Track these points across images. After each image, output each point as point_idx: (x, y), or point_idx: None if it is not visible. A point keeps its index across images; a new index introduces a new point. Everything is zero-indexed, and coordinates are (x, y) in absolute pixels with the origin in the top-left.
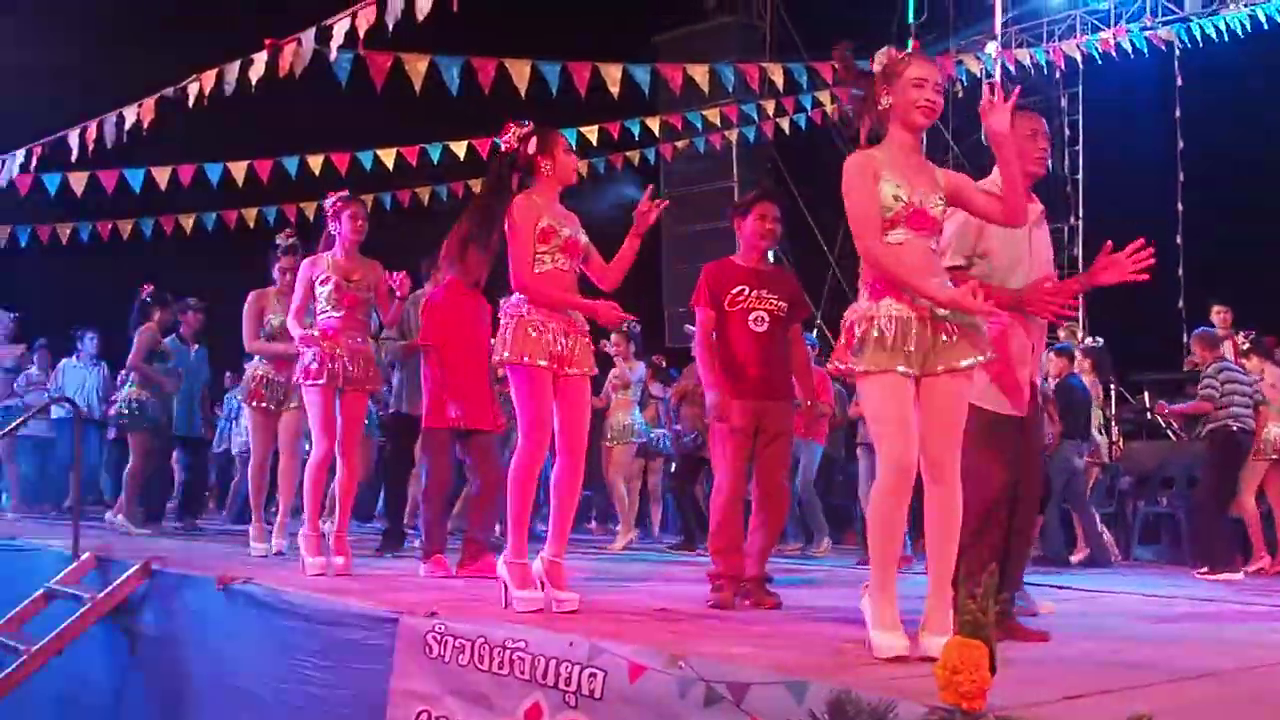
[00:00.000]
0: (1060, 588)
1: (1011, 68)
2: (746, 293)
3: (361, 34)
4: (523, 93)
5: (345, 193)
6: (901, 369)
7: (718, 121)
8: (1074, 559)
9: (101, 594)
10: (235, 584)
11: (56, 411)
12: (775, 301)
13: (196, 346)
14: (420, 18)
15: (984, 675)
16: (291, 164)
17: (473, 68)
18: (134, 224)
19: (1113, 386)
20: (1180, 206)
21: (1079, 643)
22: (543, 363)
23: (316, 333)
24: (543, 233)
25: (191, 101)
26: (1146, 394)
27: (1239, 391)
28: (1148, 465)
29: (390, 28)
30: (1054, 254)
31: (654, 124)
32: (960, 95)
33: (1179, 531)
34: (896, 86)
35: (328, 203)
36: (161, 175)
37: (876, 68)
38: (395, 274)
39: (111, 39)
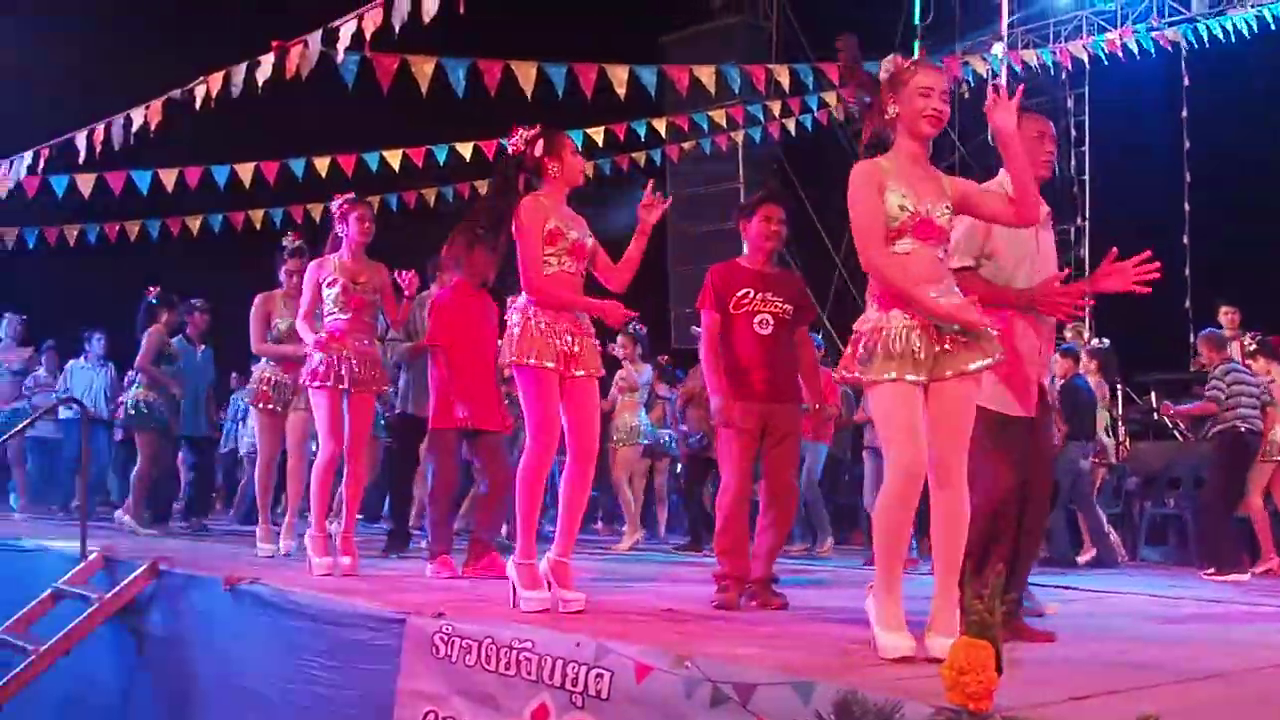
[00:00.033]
0: (1067, 588)
1: (1018, 68)
2: (751, 295)
3: (368, 36)
4: (529, 94)
5: (351, 195)
6: (911, 377)
7: (724, 123)
8: (1081, 560)
9: (109, 594)
10: (242, 584)
11: (64, 412)
12: (780, 304)
13: (203, 347)
14: (426, 20)
15: (990, 676)
16: (298, 166)
17: (479, 69)
18: (141, 225)
19: (1119, 387)
20: (1187, 207)
21: (1085, 643)
22: (550, 364)
23: (324, 335)
24: (550, 235)
25: (199, 103)
26: (1153, 394)
27: (1246, 393)
28: (1154, 466)
29: (396, 30)
30: (1060, 256)
31: (660, 125)
32: (966, 97)
33: (1186, 533)
34: (903, 95)
35: (334, 205)
36: (168, 177)
37: (883, 76)
38: (404, 273)
39: (118, 41)
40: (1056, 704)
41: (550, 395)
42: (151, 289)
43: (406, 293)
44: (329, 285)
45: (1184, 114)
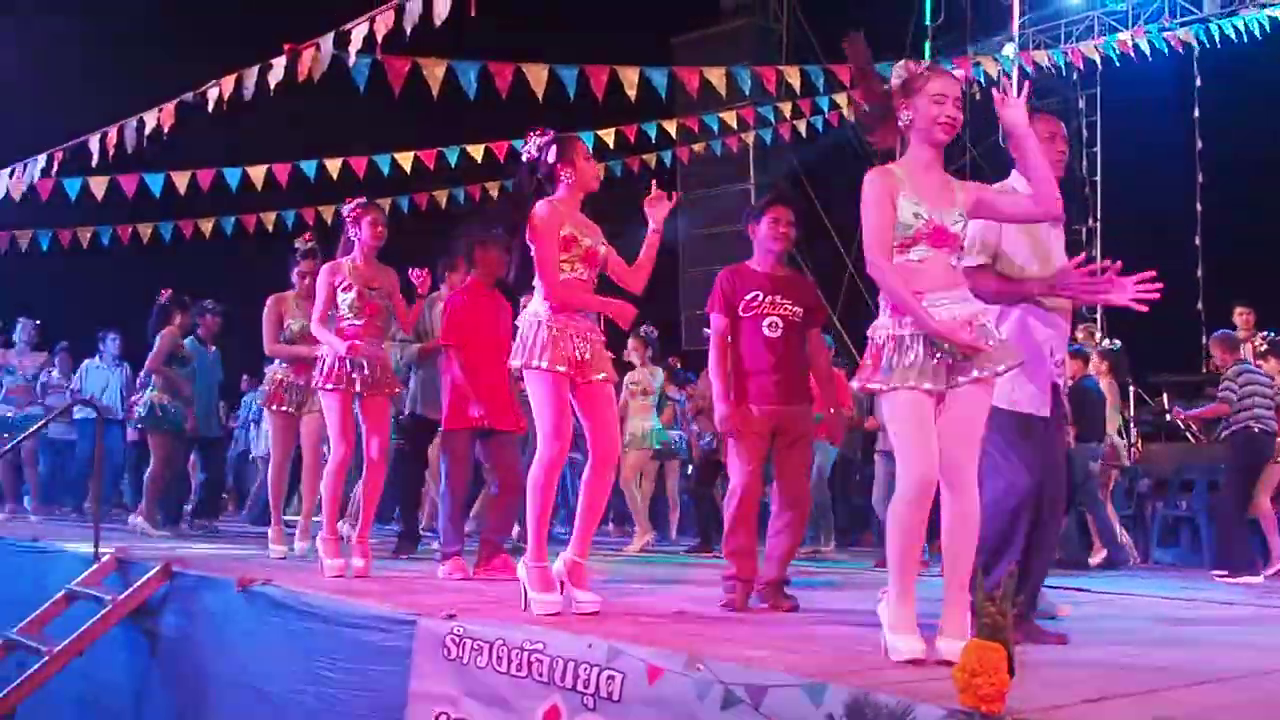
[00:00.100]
0: (1079, 590)
1: (1029, 69)
2: (761, 298)
3: (379, 39)
4: (540, 96)
5: (363, 199)
6: (928, 386)
7: (734, 124)
8: (1092, 561)
9: (122, 595)
10: (255, 586)
11: (79, 412)
12: (790, 306)
13: (213, 348)
14: (438, 22)
15: (1002, 678)
16: (310, 168)
17: (490, 72)
18: (154, 228)
19: (1131, 389)
20: (1199, 208)
21: (1098, 646)
22: (561, 368)
23: (355, 341)
24: (564, 241)
25: (211, 106)
26: (1165, 396)
27: (1259, 393)
28: (1166, 468)
29: (408, 32)
30: (1070, 257)
31: (671, 127)
32: (978, 98)
33: (1198, 535)
34: (916, 102)
35: (346, 209)
36: (181, 179)
37: (895, 81)
38: (417, 271)
39: (131, 45)
40: (1069, 707)
41: (562, 399)
42: (164, 291)
43: (419, 290)
44: (344, 290)
45: (1196, 114)
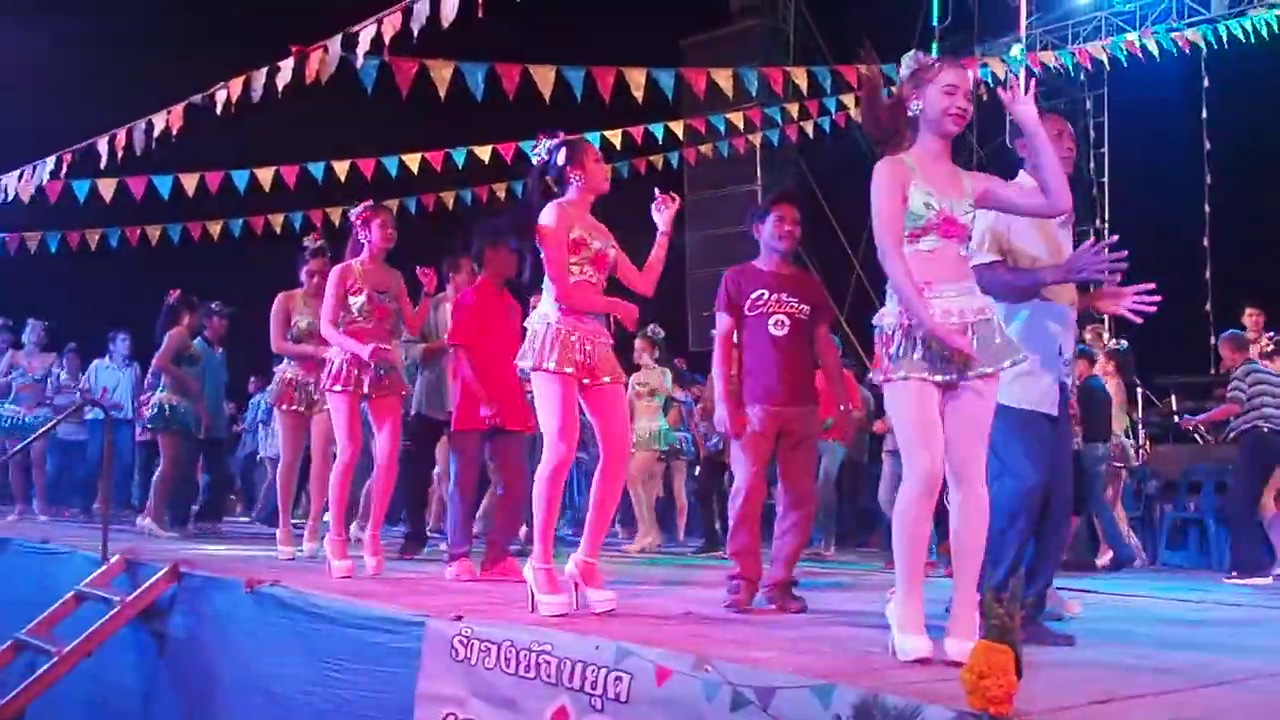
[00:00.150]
0: (1087, 592)
1: (1037, 70)
2: (766, 297)
3: (387, 40)
4: (547, 98)
5: (371, 201)
6: (940, 378)
7: (741, 125)
8: (1099, 563)
9: (130, 596)
10: (263, 587)
11: (90, 412)
12: (796, 305)
13: (220, 350)
14: (445, 24)
15: (1011, 680)
16: (317, 170)
17: (497, 73)
18: (162, 230)
19: (1139, 390)
20: (1207, 209)
21: (1106, 647)
22: (569, 370)
23: (375, 344)
24: (573, 244)
25: (219, 108)
26: (1173, 397)
27: (1268, 393)
28: (1175, 469)
29: (415, 34)
30: None
31: (678, 128)
32: (985, 99)
33: (1207, 536)
34: (927, 93)
35: (355, 211)
36: (189, 181)
37: (905, 72)
38: (423, 269)
39: (140, 47)
40: (1077, 708)
41: (569, 401)
42: (172, 291)
43: (426, 288)
44: (354, 293)
45: (1204, 115)
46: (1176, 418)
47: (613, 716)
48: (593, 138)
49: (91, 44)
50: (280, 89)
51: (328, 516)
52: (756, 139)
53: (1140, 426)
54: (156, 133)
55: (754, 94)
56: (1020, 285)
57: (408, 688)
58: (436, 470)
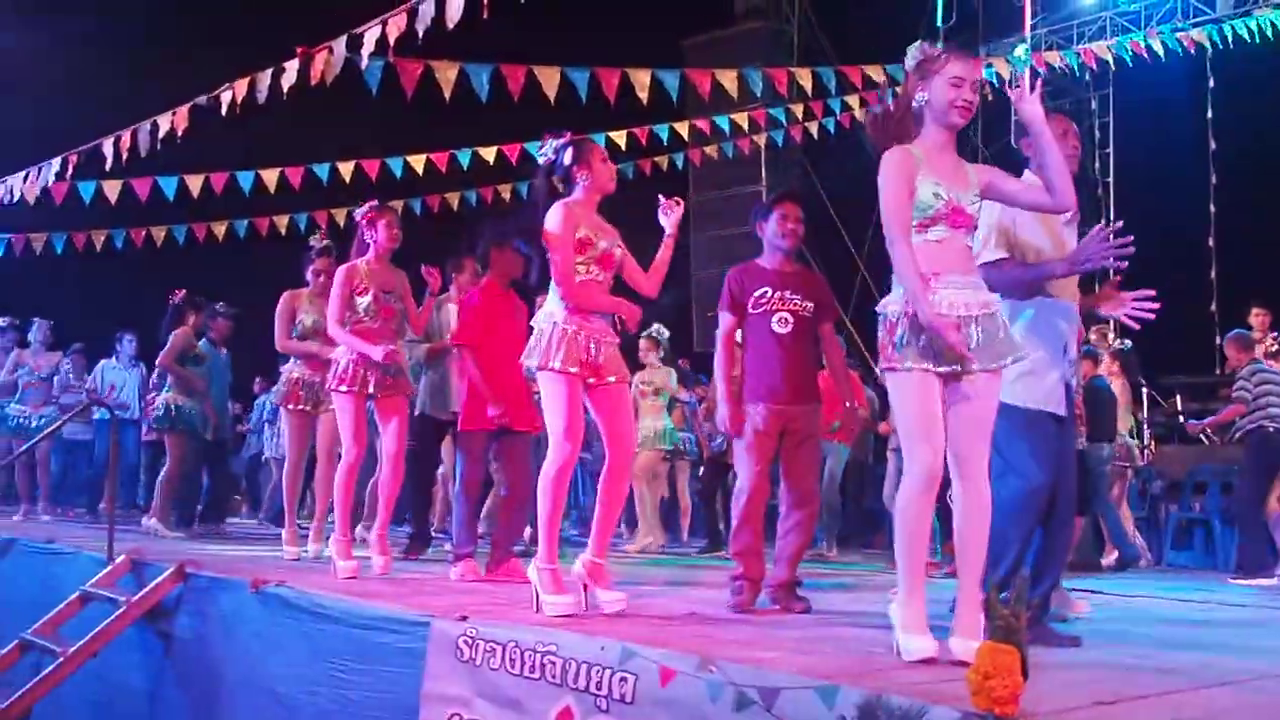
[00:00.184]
0: (1092, 592)
1: (1041, 70)
2: (770, 294)
3: (392, 42)
4: (551, 98)
5: (375, 201)
6: (943, 369)
7: (746, 126)
8: (1105, 563)
9: (136, 597)
10: (268, 587)
11: (98, 412)
12: (800, 302)
13: (224, 351)
14: (450, 25)
15: (1016, 680)
16: (322, 171)
17: (502, 74)
18: (167, 231)
19: (1144, 390)
20: (1213, 209)
21: (1111, 648)
22: (574, 369)
23: (388, 347)
24: (580, 243)
25: (224, 109)
26: (1178, 397)
27: (1274, 393)
28: (1180, 470)
29: (420, 35)
30: None
31: (683, 129)
32: (990, 99)
33: (1212, 537)
34: (933, 84)
35: (360, 211)
36: (194, 182)
37: (910, 63)
38: (429, 268)
39: (145, 48)
40: (1082, 709)
41: (574, 400)
42: (178, 291)
43: (430, 288)
44: (360, 294)
45: (1209, 115)
46: (1182, 419)
47: (618, 717)
48: (597, 139)
49: (96, 45)
50: (285, 90)
51: (333, 517)
52: (761, 140)
53: (1145, 426)
54: (161, 134)
55: (759, 95)
56: (1029, 279)
57: (413, 688)
58: (441, 470)
